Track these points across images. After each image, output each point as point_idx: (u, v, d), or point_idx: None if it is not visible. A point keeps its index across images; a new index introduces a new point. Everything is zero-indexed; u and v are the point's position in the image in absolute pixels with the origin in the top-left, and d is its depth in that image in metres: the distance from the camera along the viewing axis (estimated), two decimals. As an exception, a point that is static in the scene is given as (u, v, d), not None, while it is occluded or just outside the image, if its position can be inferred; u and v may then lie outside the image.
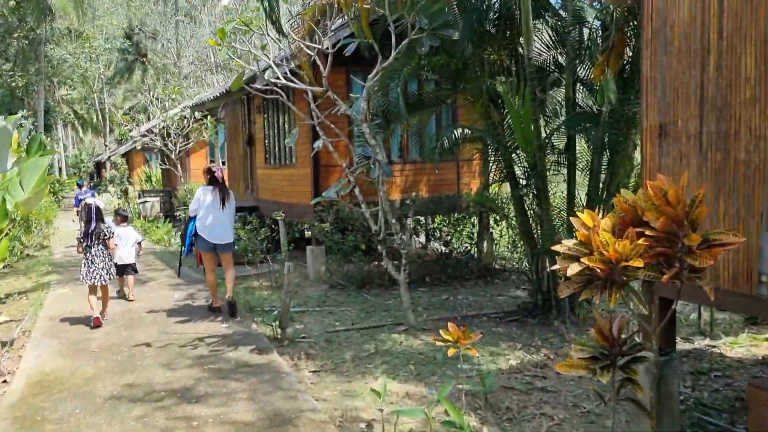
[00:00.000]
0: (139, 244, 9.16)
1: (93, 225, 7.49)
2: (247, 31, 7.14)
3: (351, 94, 8.25)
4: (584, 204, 7.65)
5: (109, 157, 35.83)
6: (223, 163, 18.87)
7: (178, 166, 18.11)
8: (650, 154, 4.11)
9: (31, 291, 9.90)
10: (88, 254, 7.49)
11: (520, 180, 7.93)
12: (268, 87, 8.14)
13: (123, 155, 31.85)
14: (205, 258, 7.98)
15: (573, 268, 2.45)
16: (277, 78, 7.25)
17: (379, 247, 7.62)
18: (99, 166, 44.08)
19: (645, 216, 2.42)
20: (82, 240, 7.55)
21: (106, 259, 7.58)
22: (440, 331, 4.20)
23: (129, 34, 41.81)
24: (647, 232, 2.35)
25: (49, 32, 31.00)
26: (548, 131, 7.85)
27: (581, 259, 2.42)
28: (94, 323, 7.38)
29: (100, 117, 44.92)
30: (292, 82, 7.35)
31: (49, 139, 32.15)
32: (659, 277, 2.43)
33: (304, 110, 8.92)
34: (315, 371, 5.79)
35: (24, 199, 8.05)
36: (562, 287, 2.57)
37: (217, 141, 19.41)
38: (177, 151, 17.62)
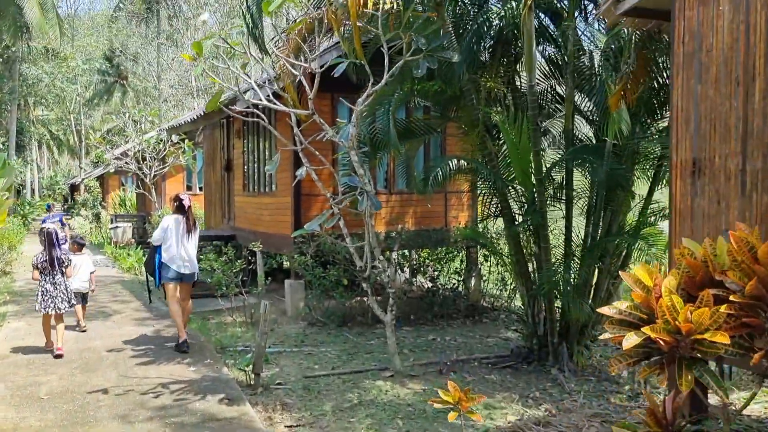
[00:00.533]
0: (91, 273, 8.64)
1: (54, 251, 7.22)
2: (229, 51, 6.62)
3: (338, 119, 7.75)
4: (582, 242, 7.19)
5: (83, 179, 34.85)
6: (200, 188, 18.21)
7: (153, 191, 17.40)
8: (680, 194, 3.63)
9: (-16, 323, 9.12)
10: (44, 282, 7.18)
11: (516, 215, 7.46)
12: (249, 110, 7.62)
13: (98, 178, 30.96)
14: (170, 288, 7.59)
15: (630, 340, 1.92)
16: (259, 100, 6.71)
17: (364, 285, 7.06)
18: (73, 188, 42.96)
19: (720, 275, 1.91)
20: (39, 267, 7.22)
21: (65, 287, 7.30)
22: (439, 392, 3.64)
23: (109, 56, 41.13)
24: (732, 298, 1.82)
25: (25, 51, 30.25)
26: (545, 164, 7.40)
27: (642, 329, 1.89)
28: (47, 347, 7.39)
29: (76, 138, 43.95)
30: (275, 104, 6.82)
31: (20, 159, 31.19)
32: (742, 354, 1.90)
33: (286, 135, 8.39)
34: (291, 426, 5.16)
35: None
36: (613, 363, 2.03)
37: (195, 166, 18.75)
38: (152, 176, 16.94)
